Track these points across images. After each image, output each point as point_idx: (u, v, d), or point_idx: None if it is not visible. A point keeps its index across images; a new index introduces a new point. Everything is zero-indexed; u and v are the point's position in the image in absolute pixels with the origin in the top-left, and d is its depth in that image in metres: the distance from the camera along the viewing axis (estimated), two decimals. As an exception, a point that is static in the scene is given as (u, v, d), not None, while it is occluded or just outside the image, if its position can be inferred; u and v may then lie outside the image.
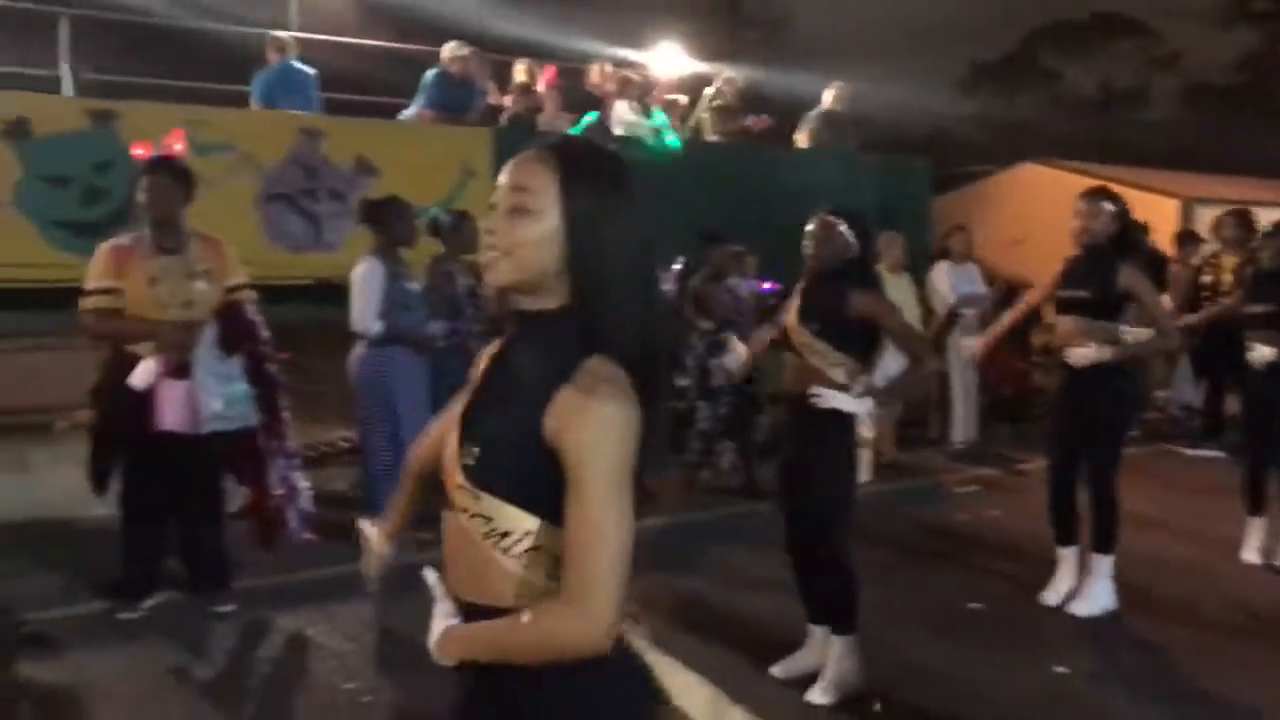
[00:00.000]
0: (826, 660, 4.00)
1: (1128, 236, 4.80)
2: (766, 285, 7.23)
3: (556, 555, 1.60)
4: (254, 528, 4.66)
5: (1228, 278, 8.26)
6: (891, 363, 4.21)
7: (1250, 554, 5.55)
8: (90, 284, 4.43)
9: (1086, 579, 4.87)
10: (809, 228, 4.06)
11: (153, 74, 9.91)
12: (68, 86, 8.46)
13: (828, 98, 10.58)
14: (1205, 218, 11.27)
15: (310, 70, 8.32)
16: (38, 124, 6.83)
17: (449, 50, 8.47)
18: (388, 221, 5.44)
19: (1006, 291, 9.59)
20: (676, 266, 6.50)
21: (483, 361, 1.82)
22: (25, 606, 4.67)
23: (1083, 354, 4.66)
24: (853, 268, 4.00)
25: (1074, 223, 4.76)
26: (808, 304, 4.06)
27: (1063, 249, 4.91)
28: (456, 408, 1.80)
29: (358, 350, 5.48)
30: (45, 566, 5.25)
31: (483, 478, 1.64)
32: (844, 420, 3.93)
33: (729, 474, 6.95)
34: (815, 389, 3.89)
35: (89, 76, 8.93)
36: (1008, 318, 5.46)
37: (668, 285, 6.40)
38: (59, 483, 6.26)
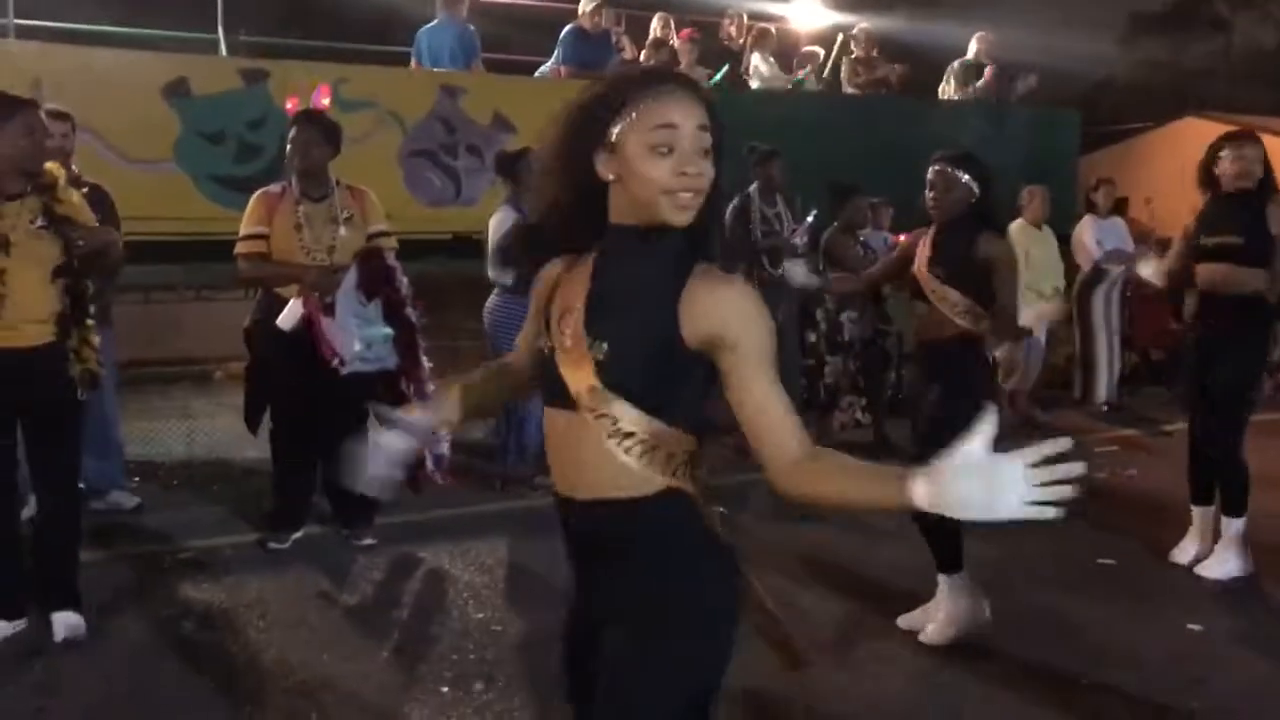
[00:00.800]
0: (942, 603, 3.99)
1: (1269, 181, 4.56)
2: (902, 237, 7.10)
3: (670, 452, 1.74)
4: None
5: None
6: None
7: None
8: (243, 230, 4.66)
9: (1219, 542, 4.70)
10: (929, 176, 4.01)
11: (301, 36, 10.28)
12: (223, 48, 8.86)
13: (973, 48, 10.29)
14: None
15: (472, 27, 8.49)
16: (195, 83, 7.18)
17: (585, 6, 8.54)
18: (522, 173, 5.55)
19: (1163, 250, 9.22)
20: (809, 219, 6.43)
21: (566, 278, 1.85)
22: (186, 535, 5.00)
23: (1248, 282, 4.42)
24: (977, 213, 3.95)
25: (1230, 167, 4.52)
26: (936, 251, 4.01)
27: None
28: (560, 315, 1.82)
29: (491, 299, 5.63)
30: (205, 501, 5.60)
31: (613, 377, 1.72)
32: (979, 366, 3.91)
33: (859, 428, 6.89)
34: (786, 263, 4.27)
35: (243, 38, 9.35)
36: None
37: (799, 238, 6.35)
38: (218, 427, 6.66)
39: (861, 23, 10.32)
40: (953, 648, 3.90)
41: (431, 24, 8.32)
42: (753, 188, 6.48)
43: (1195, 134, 13.61)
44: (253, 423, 4.79)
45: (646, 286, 1.73)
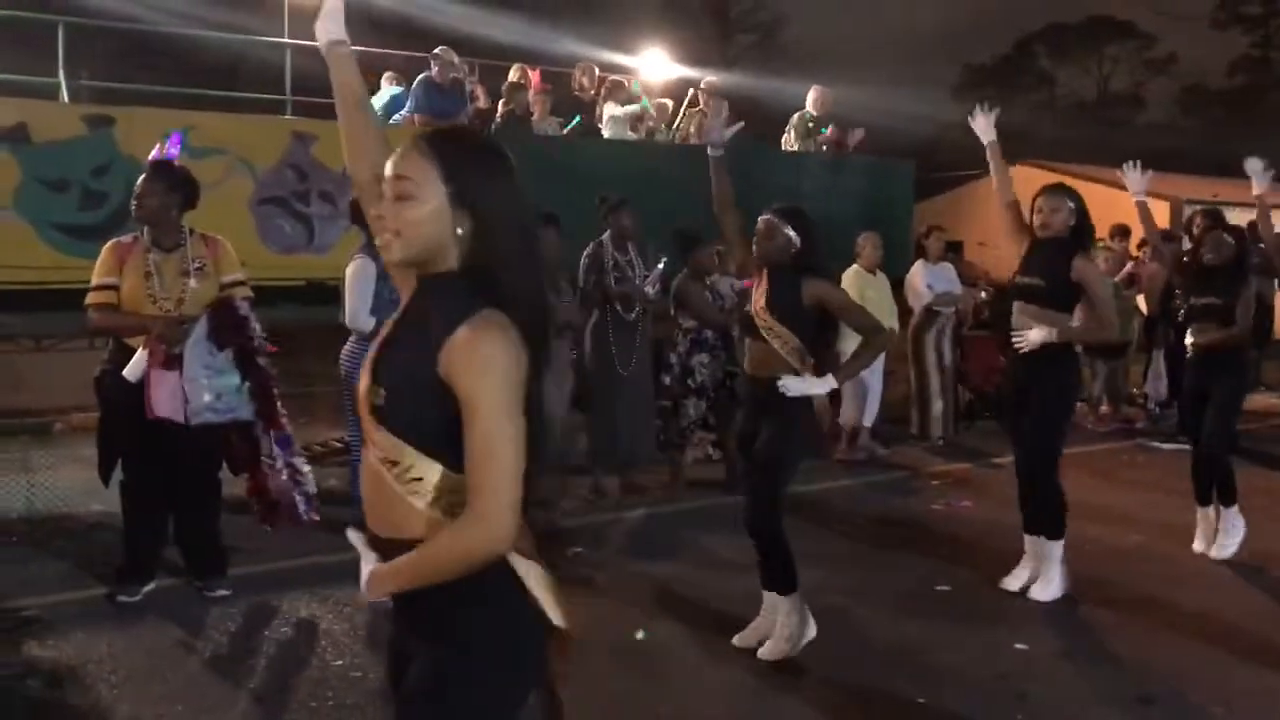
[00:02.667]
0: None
1: (1084, 229, 4.97)
2: (746, 282, 7.40)
3: (457, 500, 1.82)
4: (258, 508, 4.82)
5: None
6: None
7: (1199, 544, 5.74)
8: (94, 279, 4.61)
9: (1042, 566, 5.05)
10: (758, 225, 4.36)
11: (147, 80, 10.10)
12: (65, 93, 8.65)
13: (810, 100, 10.80)
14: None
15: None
16: (36, 130, 7.03)
17: (436, 56, 8.67)
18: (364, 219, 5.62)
19: (996, 292, 9.85)
20: (660, 266, 6.68)
21: (389, 323, 2.02)
22: (29, 592, 4.86)
23: (1030, 337, 4.84)
24: (800, 259, 4.29)
25: (1036, 217, 4.97)
26: (769, 294, 4.32)
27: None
28: (368, 356, 1.99)
29: (348, 346, 5.68)
30: (48, 556, 5.44)
31: (390, 420, 1.85)
32: (803, 401, 4.26)
33: (710, 462, 7.11)
34: (783, 381, 4.16)
35: (85, 83, 9.15)
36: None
37: (652, 286, 6.59)
38: (60, 480, 6.47)
39: (708, 76, 10.73)
40: (796, 673, 4.13)
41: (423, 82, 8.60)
42: (605, 235, 6.68)
43: (1026, 180, 14.50)
44: (105, 473, 4.71)
45: (426, 330, 1.85)
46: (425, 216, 1.85)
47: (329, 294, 6.41)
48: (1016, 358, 4.98)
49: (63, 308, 5.87)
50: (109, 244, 4.68)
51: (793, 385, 4.17)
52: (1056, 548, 5.00)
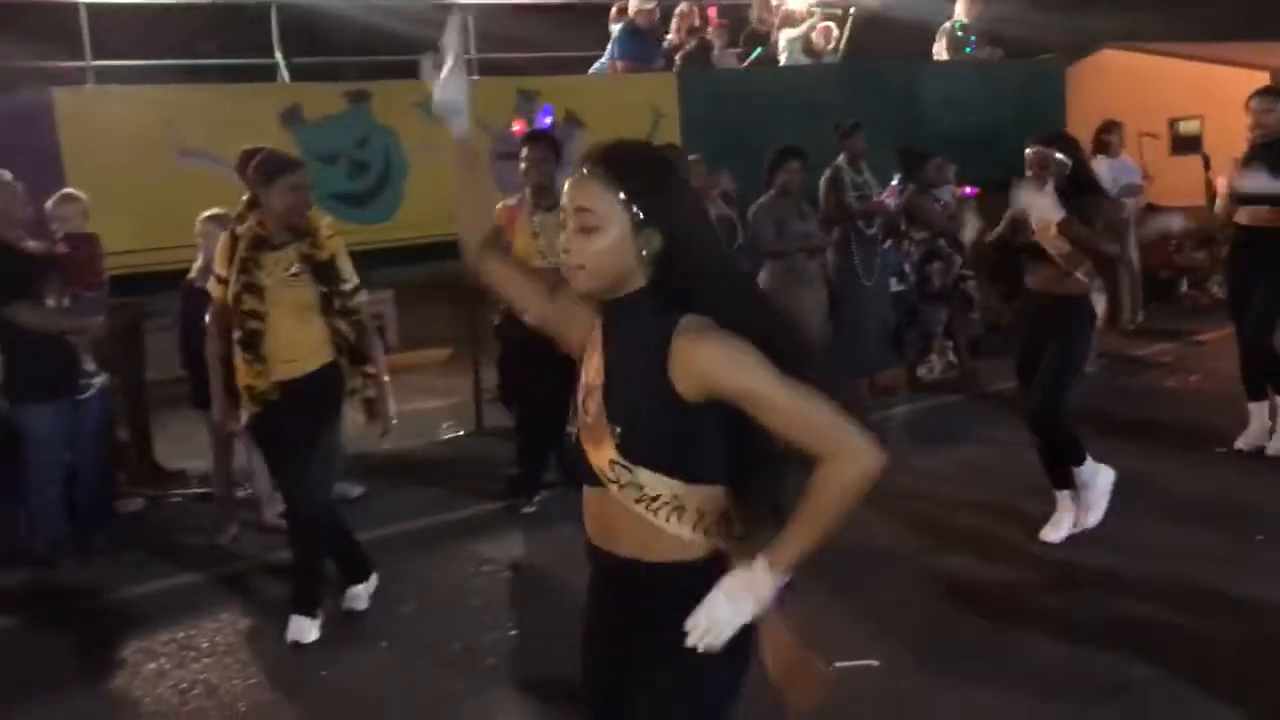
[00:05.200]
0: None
1: None
2: (967, 190, 7.96)
3: (700, 510, 1.86)
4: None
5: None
6: None
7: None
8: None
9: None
10: (1029, 156, 4.65)
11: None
12: (285, 74, 9.31)
13: (959, 8, 11.11)
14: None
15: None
16: (308, 109, 7.72)
17: (636, 4, 9.17)
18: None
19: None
20: (895, 182, 7.25)
21: (590, 355, 1.97)
22: (422, 514, 5.65)
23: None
24: (1075, 178, 4.58)
25: (1249, 119, 5.30)
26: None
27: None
28: (585, 393, 1.95)
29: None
30: (419, 484, 6.26)
31: (630, 453, 1.84)
32: (1089, 315, 4.73)
33: (950, 369, 7.74)
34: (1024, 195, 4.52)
35: (299, 61, 9.78)
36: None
37: (892, 200, 7.17)
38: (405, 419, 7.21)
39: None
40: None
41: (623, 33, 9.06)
42: (840, 159, 7.25)
43: (1116, 64, 14.25)
44: (506, 401, 5.48)
45: (640, 355, 1.84)
46: (611, 245, 1.82)
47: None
48: (1242, 252, 5.52)
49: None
50: (498, 205, 5.36)
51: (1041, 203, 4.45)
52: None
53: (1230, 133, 8.79)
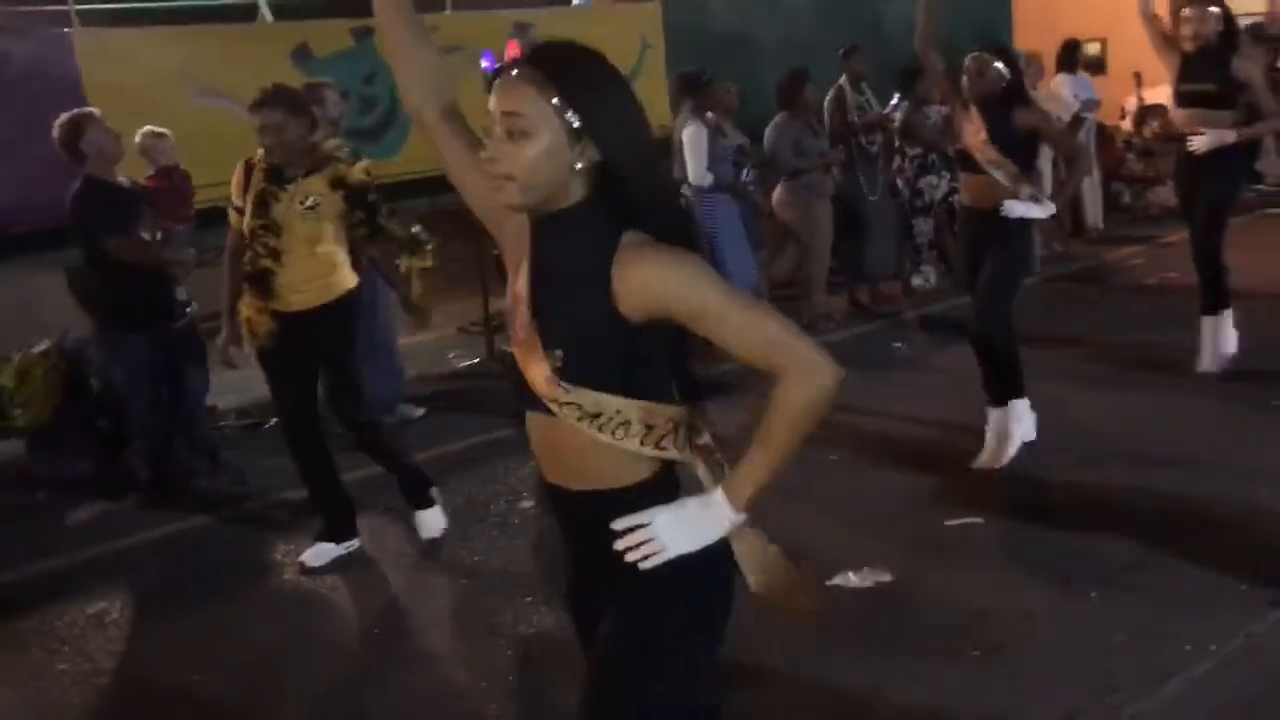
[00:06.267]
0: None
1: (1232, 32, 5.36)
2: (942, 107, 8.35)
3: (646, 423, 1.74)
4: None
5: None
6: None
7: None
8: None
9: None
10: (967, 63, 4.62)
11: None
12: (267, 12, 9.29)
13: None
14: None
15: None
16: (316, 47, 7.82)
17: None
18: (697, 87, 6.58)
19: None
20: (895, 100, 7.65)
21: (520, 260, 1.83)
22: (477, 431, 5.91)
23: (1206, 140, 5.26)
24: (1010, 91, 4.58)
25: (1184, 28, 5.32)
26: (988, 127, 4.56)
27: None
28: (512, 302, 1.83)
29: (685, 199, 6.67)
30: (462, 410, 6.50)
31: (577, 377, 1.72)
32: (1025, 224, 4.64)
33: (941, 278, 8.20)
34: (1007, 204, 4.48)
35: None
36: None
37: (897, 115, 7.58)
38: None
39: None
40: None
41: None
42: (842, 79, 7.63)
43: None
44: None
45: (577, 275, 1.72)
46: (543, 153, 1.67)
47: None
48: (1188, 159, 5.46)
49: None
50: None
51: (1019, 208, 4.47)
52: (1212, 321, 5.58)
53: (1130, 51, 9.33)
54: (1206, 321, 5.67)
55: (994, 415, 4.77)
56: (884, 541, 4.15)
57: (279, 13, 9.29)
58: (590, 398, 1.71)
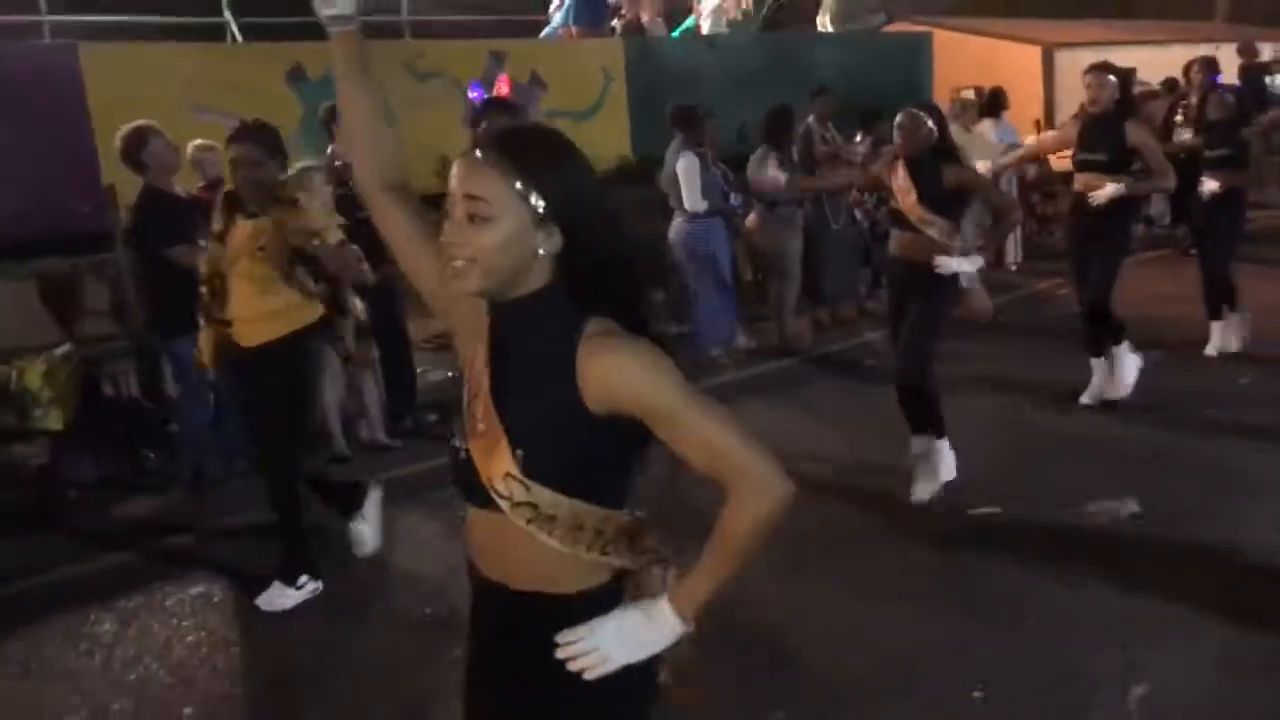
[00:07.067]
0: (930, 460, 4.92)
1: (1128, 100, 5.72)
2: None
3: (598, 530, 1.70)
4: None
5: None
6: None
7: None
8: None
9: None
10: (899, 119, 4.82)
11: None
12: (236, 33, 9.43)
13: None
14: (1064, 62, 12.96)
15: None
16: (310, 68, 8.03)
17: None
18: (693, 122, 7.11)
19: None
20: (858, 139, 8.33)
21: (476, 358, 1.79)
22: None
23: (1104, 192, 5.58)
24: (939, 148, 4.78)
25: (1086, 94, 5.64)
26: (920, 186, 4.76)
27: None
28: (471, 395, 1.78)
29: (680, 224, 7.20)
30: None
31: (539, 476, 1.66)
32: (954, 277, 4.82)
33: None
34: (940, 260, 4.68)
35: (250, 20, 9.87)
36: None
37: (860, 148, 8.24)
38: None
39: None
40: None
41: None
42: (810, 119, 8.27)
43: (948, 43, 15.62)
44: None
45: (540, 365, 1.68)
46: (505, 240, 1.63)
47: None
48: (1085, 213, 5.73)
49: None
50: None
51: (950, 264, 4.66)
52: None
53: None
54: (1113, 352, 6.04)
55: (916, 442, 4.97)
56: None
57: (270, 33, 9.46)
58: (548, 498, 1.67)
